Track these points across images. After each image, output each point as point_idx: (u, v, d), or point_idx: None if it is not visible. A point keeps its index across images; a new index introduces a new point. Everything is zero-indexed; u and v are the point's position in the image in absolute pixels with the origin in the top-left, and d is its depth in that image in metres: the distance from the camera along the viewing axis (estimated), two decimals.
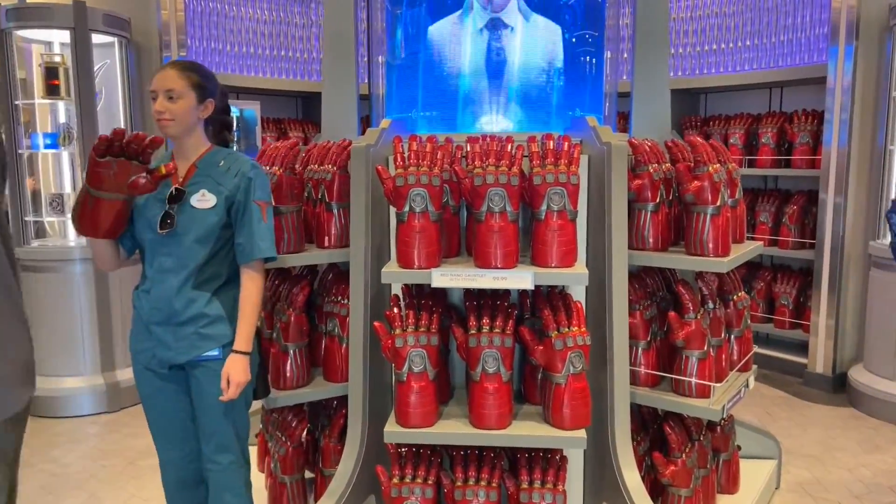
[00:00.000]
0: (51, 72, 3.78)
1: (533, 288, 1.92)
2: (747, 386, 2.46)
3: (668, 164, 2.40)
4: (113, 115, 4.07)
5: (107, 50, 4.02)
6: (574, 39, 2.54)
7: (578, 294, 2.23)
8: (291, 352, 2.33)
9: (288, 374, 2.33)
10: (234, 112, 4.83)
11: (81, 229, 1.92)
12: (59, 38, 3.87)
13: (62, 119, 4.00)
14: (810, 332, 4.21)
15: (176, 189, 1.98)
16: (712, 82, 4.85)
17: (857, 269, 4.11)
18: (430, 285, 1.99)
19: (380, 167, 2.04)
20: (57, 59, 3.85)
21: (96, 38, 3.87)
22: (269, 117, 5.09)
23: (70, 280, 3.86)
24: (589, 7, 2.58)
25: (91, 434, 3.61)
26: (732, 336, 2.52)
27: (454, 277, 1.93)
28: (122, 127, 1.88)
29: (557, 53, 2.50)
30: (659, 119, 2.71)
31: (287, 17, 5.20)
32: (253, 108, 4.80)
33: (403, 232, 1.96)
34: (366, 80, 2.87)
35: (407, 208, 1.95)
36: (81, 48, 3.72)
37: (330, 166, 2.36)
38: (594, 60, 2.62)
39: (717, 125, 4.85)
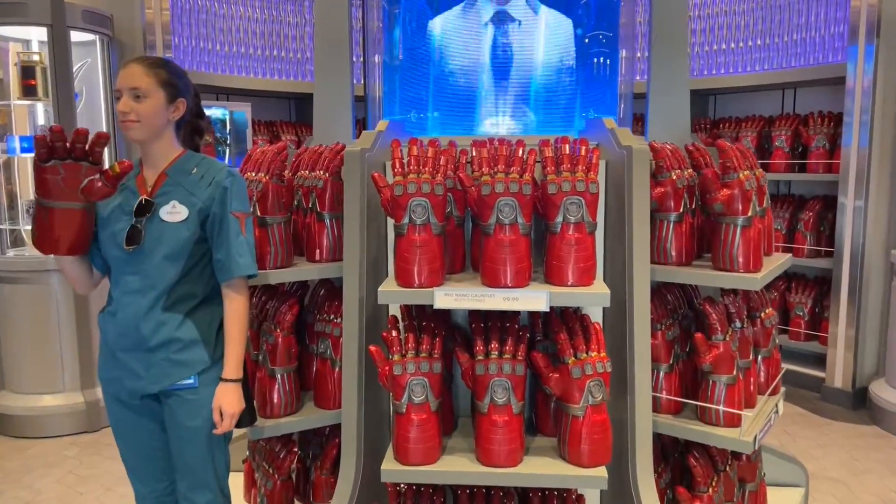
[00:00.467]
0: (27, 71, 3.57)
1: (548, 310, 1.72)
2: (777, 412, 2.26)
3: (690, 170, 2.20)
4: (94, 117, 3.85)
5: (88, 48, 3.81)
6: (587, 39, 2.34)
7: (595, 314, 2.02)
8: (279, 376, 2.11)
9: (275, 401, 2.11)
10: (224, 114, 4.63)
11: (39, 246, 1.72)
12: (38, 35, 3.66)
13: (41, 121, 3.79)
14: (828, 344, 4.01)
15: (144, 200, 1.78)
16: (722, 83, 4.67)
17: (879, 278, 3.92)
18: (431, 305, 1.78)
19: (376, 174, 1.83)
20: (35, 57, 3.64)
21: (76, 36, 3.66)
22: (260, 120, 4.88)
23: (48, 291, 3.64)
24: (602, 3, 2.38)
25: (69, 457, 3.39)
26: (760, 357, 2.32)
27: (459, 298, 1.72)
28: (60, 124, 1.67)
29: (569, 49, 2.29)
30: (677, 121, 2.51)
31: (280, 16, 5.00)
32: (243, 111, 4.60)
33: (402, 246, 1.76)
34: (361, 81, 2.67)
35: (406, 220, 1.74)
36: (59, 46, 3.50)
37: (321, 172, 2.15)
38: (608, 61, 2.43)
39: (727, 128, 4.66)
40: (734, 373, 2.04)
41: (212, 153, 4.39)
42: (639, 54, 4.06)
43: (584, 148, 1.79)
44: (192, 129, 1.95)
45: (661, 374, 2.13)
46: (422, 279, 1.75)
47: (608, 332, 2.04)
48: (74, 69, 3.69)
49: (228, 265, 1.80)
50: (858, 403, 3.90)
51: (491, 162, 1.79)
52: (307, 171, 2.22)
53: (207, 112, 4.48)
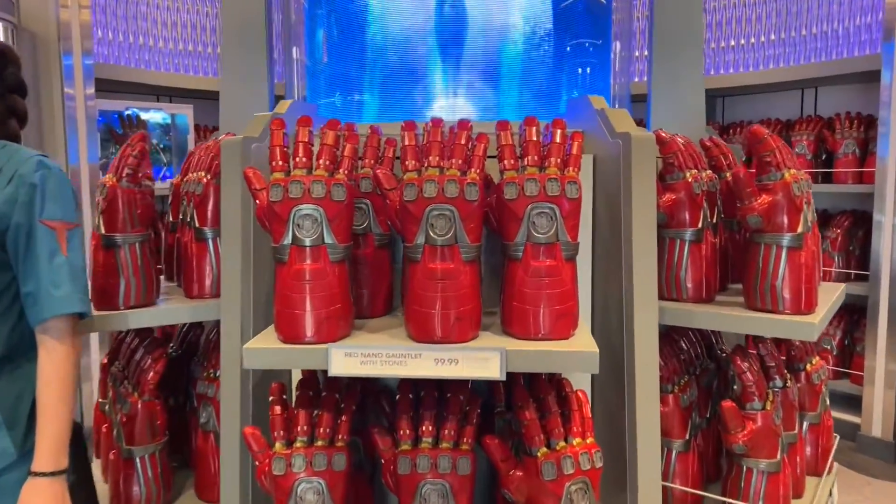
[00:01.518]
0: None
1: (503, 378, 1.11)
2: (832, 501, 1.65)
3: (709, 172, 1.62)
4: None
5: None
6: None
7: (580, 376, 1.42)
8: (137, 460, 1.50)
9: (133, 494, 1.50)
10: (166, 119, 4.05)
11: None
12: None
13: None
14: (864, 383, 3.41)
15: None
16: (731, 82, 4.12)
17: None
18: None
19: (250, 170, 1.24)
20: None
21: None
22: (205, 125, 4.29)
23: None
24: None
25: None
26: (806, 423, 1.72)
27: (368, 359, 1.12)
28: None
29: (543, 9, 1.71)
30: (689, 112, 1.94)
31: None
32: (185, 113, 4.02)
33: (283, 279, 1.16)
34: (282, 80, 2.13)
35: (288, 239, 1.15)
36: None
37: (202, 174, 1.56)
38: (596, 27, 1.85)
39: (738, 133, 4.09)
40: (778, 456, 1.44)
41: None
42: (644, 53, 3.50)
43: (558, 132, 1.20)
44: (7, 110, 1.38)
45: (674, 454, 1.53)
46: (313, 330, 1.15)
47: (598, 400, 1.44)
48: None
49: (40, 300, 1.22)
50: None
51: (421, 152, 1.20)
52: (194, 174, 1.63)
53: (144, 116, 3.97)
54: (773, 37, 4.06)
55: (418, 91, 1.64)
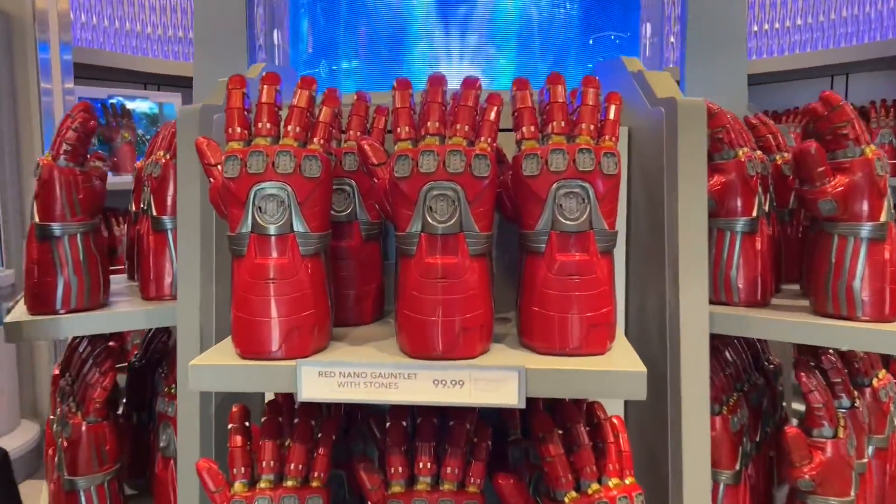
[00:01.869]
0: None
1: (523, 406, 0.87)
2: None
3: (760, 153, 1.38)
4: None
5: None
6: None
7: (612, 401, 1.18)
8: (82, 493, 1.26)
9: None
10: (153, 108, 3.83)
11: None
12: None
13: None
14: None
15: None
16: (755, 69, 3.84)
17: None
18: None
19: (203, 140, 1.00)
20: None
21: None
22: None
23: None
24: None
25: None
26: (872, 448, 1.46)
27: (348, 381, 0.87)
28: None
29: None
30: (729, 87, 1.69)
31: None
32: (173, 103, 3.79)
33: (242, 277, 0.91)
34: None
35: (247, 226, 0.90)
36: None
37: (161, 154, 1.32)
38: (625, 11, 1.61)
39: None
40: (852, 494, 1.19)
41: (132, 156, 3.58)
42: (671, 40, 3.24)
43: (591, 92, 0.95)
44: None
45: (722, 487, 1.27)
46: (277, 342, 0.90)
47: (630, 426, 1.19)
48: None
49: None
50: None
51: (418, 117, 0.95)
52: (154, 154, 1.39)
53: (129, 105, 3.74)
54: (799, 21, 3.81)
55: (420, 56, 1.39)
